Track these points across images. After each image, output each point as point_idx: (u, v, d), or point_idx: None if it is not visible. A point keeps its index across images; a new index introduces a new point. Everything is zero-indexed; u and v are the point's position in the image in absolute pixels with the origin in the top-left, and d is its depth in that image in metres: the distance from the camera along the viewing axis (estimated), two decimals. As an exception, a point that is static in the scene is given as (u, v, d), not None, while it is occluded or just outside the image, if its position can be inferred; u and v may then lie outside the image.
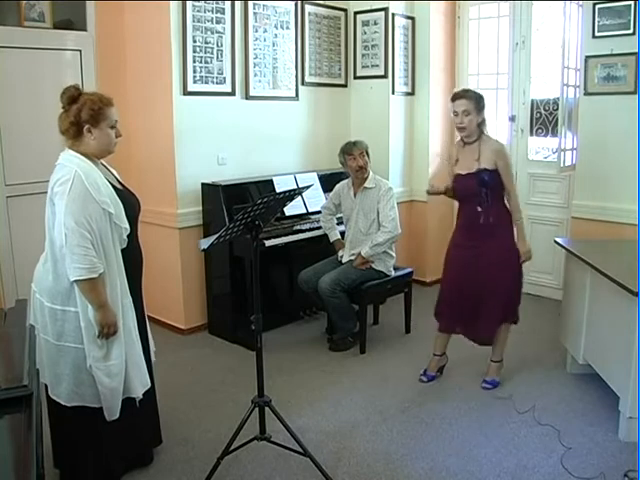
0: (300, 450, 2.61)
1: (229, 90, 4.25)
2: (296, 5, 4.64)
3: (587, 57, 4.13)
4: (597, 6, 4.02)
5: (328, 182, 4.53)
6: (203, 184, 4.13)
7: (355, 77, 5.18)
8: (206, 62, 4.08)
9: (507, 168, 3.24)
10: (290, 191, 2.63)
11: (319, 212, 4.30)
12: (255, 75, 4.42)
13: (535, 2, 4.80)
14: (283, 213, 4.10)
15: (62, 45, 4.02)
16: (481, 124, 3.24)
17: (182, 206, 4.11)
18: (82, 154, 2.34)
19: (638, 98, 3.89)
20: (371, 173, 4.02)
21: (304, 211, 4.38)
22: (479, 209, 3.24)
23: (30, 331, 2.03)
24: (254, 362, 2.62)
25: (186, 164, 4.09)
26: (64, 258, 2.25)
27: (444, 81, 5.26)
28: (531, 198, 4.94)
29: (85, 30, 4.11)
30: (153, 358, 2.71)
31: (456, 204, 3.52)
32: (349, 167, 3.98)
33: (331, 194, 4.23)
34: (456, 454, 2.80)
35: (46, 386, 2.40)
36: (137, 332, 2.48)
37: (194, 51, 3.99)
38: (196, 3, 3.96)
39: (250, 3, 4.30)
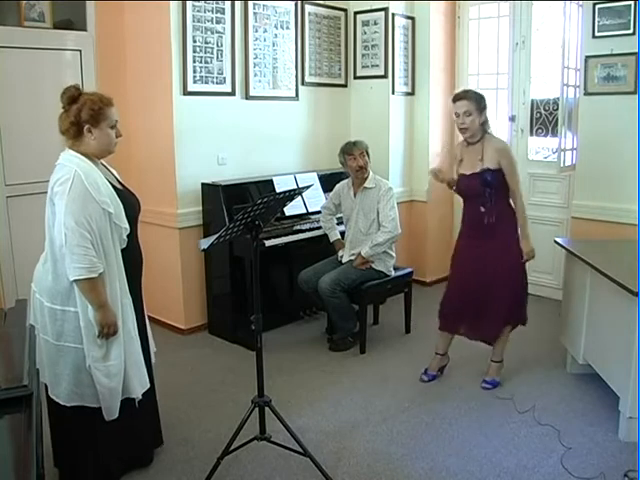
0: (300, 450, 2.61)
1: (229, 90, 4.25)
2: (296, 5, 4.64)
3: (587, 57, 4.13)
4: (597, 6, 4.02)
5: (328, 182, 4.53)
6: (203, 184, 4.13)
7: (355, 77, 5.18)
8: (206, 62, 4.08)
9: (511, 167, 3.23)
10: (290, 191, 2.63)
11: (319, 212, 4.30)
12: (255, 75, 4.42)
13: (535, 2, 4.80)
14: (283, 213, 4.10)
15: (62, 45, 4.02)
16: (484, 124, 3.24)
17: (182, 206, 4.11)
18: (82, 154, 2.34)
19: (638, 98, 3.89)
20: (371, 173, 4.02)
21: (304, 211, 4.38)
22: (482, 209, 3.24)
23: (30, 331, 2.03)
24: (254, 362, 2.62)
25: (186, 164, 4.09)
26: (64, 258, 2.25)
27: (444, 81, 5.26)
28: (531, 198, 4.93)
29: (85, 30, 4.11)
30: (153, 359, 2.72)
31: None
32: (349, 167, 3.98)
33: (331, 194, 4.23)
34: (456, 454, 2.80)
35: (46, 386, 2.40)
36: (137, 332, 2.48)
37: (194, 51, 3.99)
38: (196, 3, 3.96)
39: (250, 3, 4.30)
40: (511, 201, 3.30)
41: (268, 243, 3.94)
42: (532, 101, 4.97)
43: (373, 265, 3.98)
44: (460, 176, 3.34)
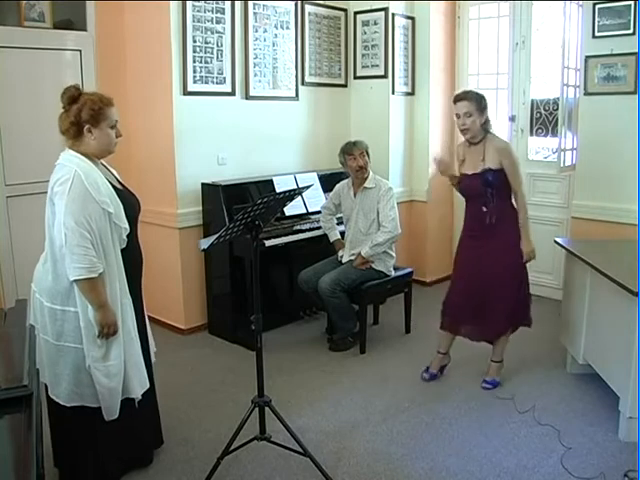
0: (300, 450, 2.61)
1: (229, 90, 4.25)
2: (296, 5, 4.64)
3: (587, 57, 4.13)
4: (597, 6, 4.02)
5: (328, 182, 4.53)
6: (203, 184, 4.13)
7: (355, 77, 5.18)
8: (206, 62, 4.08)
9: (513, 167, 3.22)
10: (290, 191, 2.63)
11: (319, 212, 4.29)
12: (255, 75, 4.42)
13: (535, 2, 4.80)
14: (283, 213, 4.10)
15: (62, 45, 4.02)
16: (485, 124, 3.24)
17: (182, 206, 4.11)
18: (82, 154, 2.34)
19: (638, 98, 3.89)
20: (371, 173, 4.02)
21: (304, 211, 4.38)
22: (484, 209, 3.24)
23: (30, 331, 2.03)
24: (254, 362, 2.62)
25: (186, 164, 4.09)
26: (64, 258, 2.25)
27: (444, 81, 5.26)
28: (531, 198, 4.92)
29: (85, 30, 4.11)
30: (153, 359, 2.71)
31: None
32: (349, 167, 3.98)
33: (331, 194, 4.23)
34: (456, 454, 2.80)
35: (46, 386, 2.40)
36: (136, 332, 2.48)
37: (194, 51, 3.99)
38: (196, 3, 3.96)
39: (250, 3, 4.30)
40: (514, 201, 3.30)
41: (268, 243, 3.94)
42: (532, 101, 4.97)
43: (373, 265, 3.98)
44: (462, 176, 3.34)
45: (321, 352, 3.99)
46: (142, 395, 2.50)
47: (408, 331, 4.29)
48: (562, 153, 4.23)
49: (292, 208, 4.11)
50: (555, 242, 3.69)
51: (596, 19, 4.04)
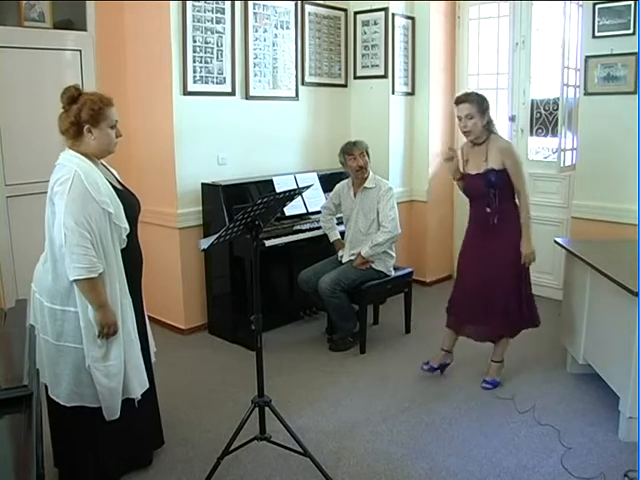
0: (300, 450, 2.61)
1: (229, 90, 4.25)
2: (296, 5, 4.64)
3: (587, 57, 4.13)
4: (597, 6, 4.02)
5: (328, 182, 4.53)
6: (203, 184, 4.13)
7: (355, 77, 5.18)
8: (206, 62, 4.08)
9: (515, 167, 3.21)
10: (290, 191, 2.63)
11: (319, 212, 4.29)
12: (255, 75, 4.42)
13: (535, 2, 4.80)
14: (283, 213, 4.10)
15: (62, 45, 4.02)
16: (488, 125, 3.24)
17: (182, 206, 4.11)
18: (82, 154, 2.34)
19: (638, 98, 3.89)
20: (371, 173, 4.02)
21: (304, 211, 4.38)
22: (488, 210, 3.24)
23: (30, 331, 2.03)
24: (254, 362, 2.62)
25: (186, 164, 4.09)
26: (64, 258, 2.25)
27: (444, 81, 5.26)
28: (531, 198, 4.91)
29: (85, 30, 4.11)
30: (153, 359, 2.71)
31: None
32: (349, 167, 3.98)
33: (331, 194, 4.23)
34: (456, 454, 2.80)
35: (46, 386, 2.40)
36: (136, 332, 2.48)
37: (194, 51, 3.99)
38: (196, 3, 3.96)
39: (250, 3, 4.30)
40: (517, 201, 3.30)
41: (268, 243, 3.94)
42: (532, 101, 4.97)
43: (373, 265, 3.98)
44: (466, 176, 3.34)
45: (321, 352, 3.99)
46: (142, 395, 2.50)
47: (408, 331, 4.29)
48: (562, 153, 4.23)
49: (292, 208, 4.11)
50: (555, 242, 3.69)
51: (596, 19, 4.04)
